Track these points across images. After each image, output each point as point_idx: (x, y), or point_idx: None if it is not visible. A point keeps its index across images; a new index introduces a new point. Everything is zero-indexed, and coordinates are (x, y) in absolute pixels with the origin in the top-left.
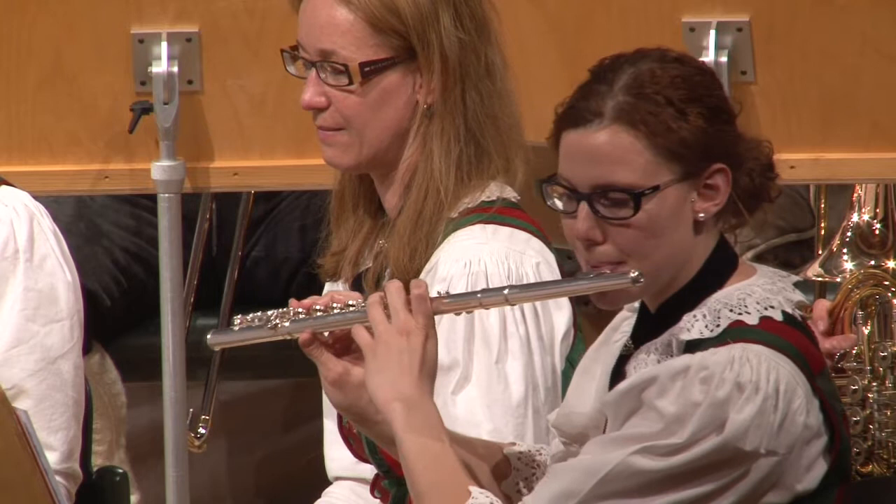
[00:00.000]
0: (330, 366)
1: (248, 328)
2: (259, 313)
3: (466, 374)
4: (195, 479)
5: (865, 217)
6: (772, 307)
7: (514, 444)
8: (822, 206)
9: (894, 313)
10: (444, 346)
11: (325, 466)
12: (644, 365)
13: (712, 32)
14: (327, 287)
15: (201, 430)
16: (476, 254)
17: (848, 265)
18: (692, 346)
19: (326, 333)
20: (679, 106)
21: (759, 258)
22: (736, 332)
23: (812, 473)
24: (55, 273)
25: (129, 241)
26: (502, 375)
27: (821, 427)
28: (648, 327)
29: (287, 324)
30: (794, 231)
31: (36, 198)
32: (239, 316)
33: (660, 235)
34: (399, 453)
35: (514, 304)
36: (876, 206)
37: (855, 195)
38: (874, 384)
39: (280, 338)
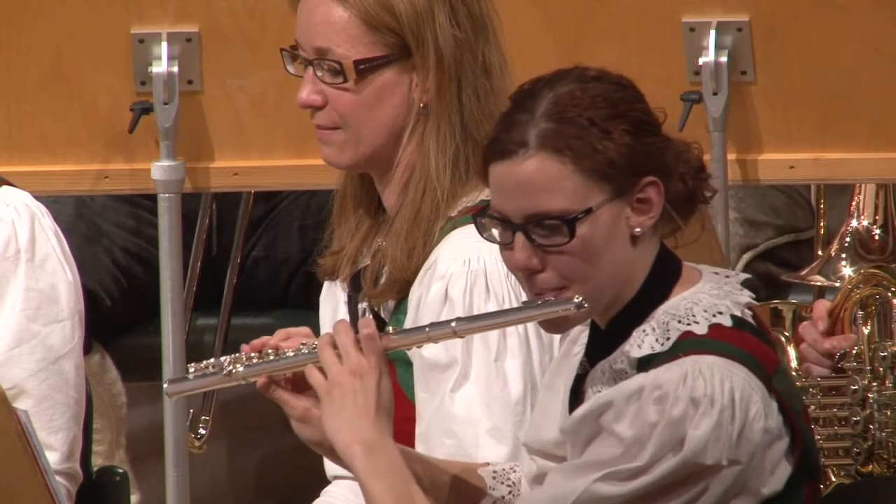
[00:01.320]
0: (292, 405)
1: (203, 375)
2: (213, 360)
3: (465, 371)
4: (195, 479)
5: (865, 223)
6: (720, 313)
7: (487, 464)
8: (822, 205)
9: (894, 313)
10: (443, 344)
11: (325, 466)
12: (599, 385)
13: (712, 32)
14: (326, 286)
15: (201, 431)
16: (475, 252)
17: (847, 270)
18: (644, 363)
19: (283, 375)
20: (602, 125)
21: (757, 258)
22: (686, 345)
23: (777, 475)
24: (56, 273)
25: (129, 241)
26: (501, 373)
27: (781, 429)
28: (601, 345)
29: (241, 369)
30: (792, 231)
31: (37, 198)
32: (193, 364)
33: (598, 257)
34: (363, 495)
35: (462, 337)
36: (875, 213)
37: (854, 201)
38: (874, 384)
39: (235, 383)
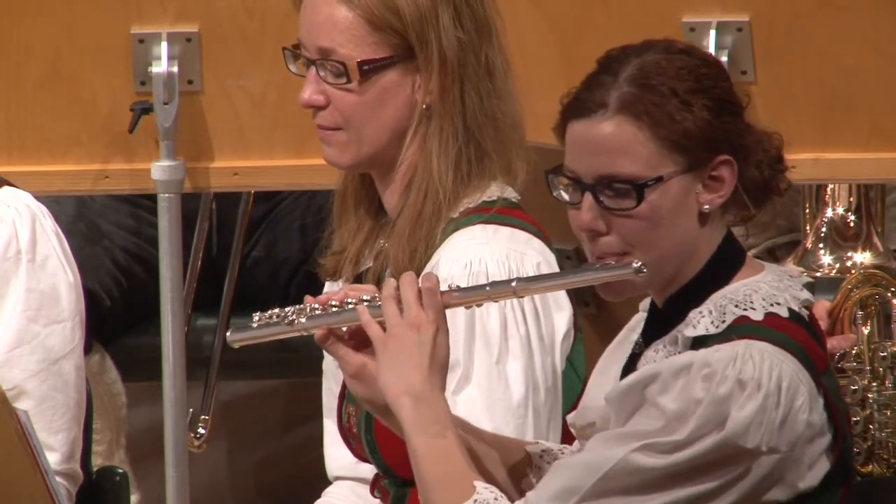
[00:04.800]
0: (348, 360)
1: (266, 324)
2: (277, 310)
3: (467, 374)
4: (195, 479)
5: (840, 210)
6: (778, 304)
7: (537, 442)
8: (807, 209)
9: (894, 313)
10: None
11: (325, 466)
12: (652, 362)
13: (712, 32)
14: (327, 286)
15: (201, 431)
16: (477, 254)
17: (826, 259)
18: (697, 343)
19: (344, 328)
20: (684, 97)
21: (758, 258)
22: (740, 329)
23: (814, 471)
24: (57, 274)
25: (129, 241)
26: (503, 376)
27: (824, 425)
28: (657, 324)
29: (304, 320)
30: (792, 231)
31: (37, 198)
32: (257, 313)
33: (663, 226)
34: (408, 447)
35: (521, 297)
36: (850, 196)
37: (828, 191)
38: (874, 384)
39: (297, 333)
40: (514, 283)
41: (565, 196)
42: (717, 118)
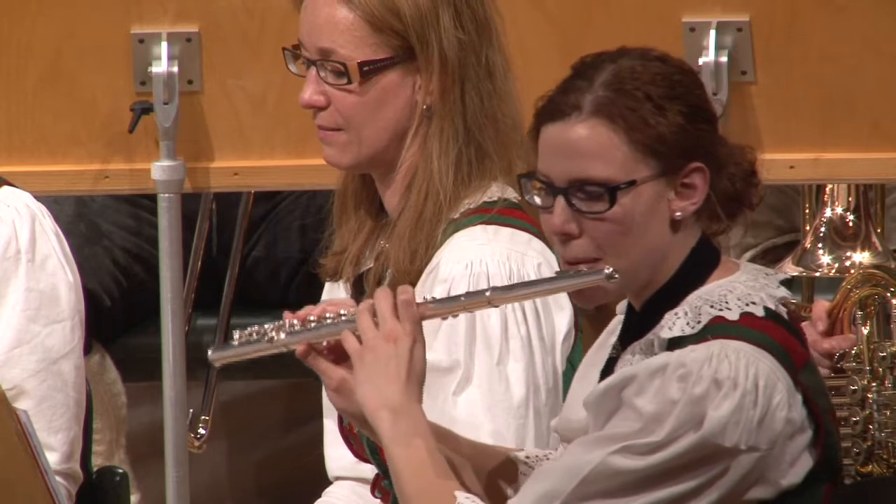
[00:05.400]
0: (329, 374)
1: (246, 342)
2: (256, 327)
3: (468, 375)
4: (195, 479)
5: (839, 210)
6: (753, 303)
7: (521, 450)
8: (807, 208)
9: (894, 313)
10: (446, 347)
11: (326, 466)
12: (629, 366)
13: (712, 32)
14: (327, 287)
15: (201, 431)
16: (478, 255)
17: (825, 259)
18: (673, 344)
19: (324, 343)
20: (658, 102)
21: (757, 258)
22: (716, 329)
23: (796, 468)
24: (57, 273)
25: (129, 241)
26: (503, 377)
27: (804, 422)
28: (634, 328)
29: (283, 336)
30: (792, 231)
31: (37, 198)
32: (237, 331)
33: (635, 231)
34: (387, 460)
35: (496, 306)
36: (849, 196)
37: (827, 191)
38: (874, 384)
39: (277, 350)
40: (488, 293)
41: (538, 200)
42: (691, 124)
